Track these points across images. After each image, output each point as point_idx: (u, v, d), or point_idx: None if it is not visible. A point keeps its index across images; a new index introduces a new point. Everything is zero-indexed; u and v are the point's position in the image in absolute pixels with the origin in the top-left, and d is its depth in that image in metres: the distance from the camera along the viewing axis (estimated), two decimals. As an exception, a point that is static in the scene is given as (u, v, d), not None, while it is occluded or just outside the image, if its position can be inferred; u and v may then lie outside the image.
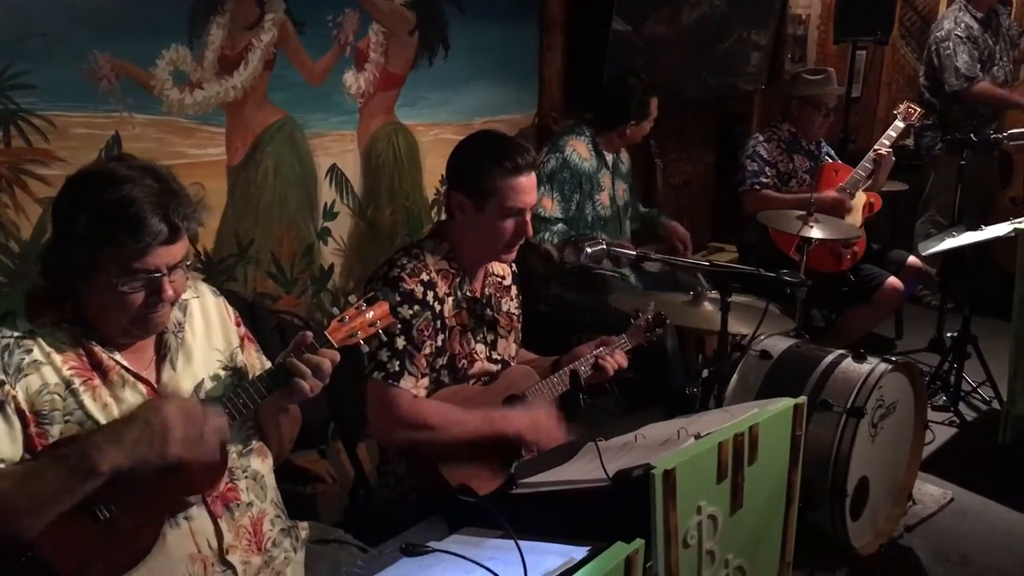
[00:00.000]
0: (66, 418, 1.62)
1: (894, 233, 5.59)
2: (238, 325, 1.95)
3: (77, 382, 1.64)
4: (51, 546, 1.54)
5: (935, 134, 5.31)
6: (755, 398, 2.86)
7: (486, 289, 2.48)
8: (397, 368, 2.23)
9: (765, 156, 4.40)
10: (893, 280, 4.29)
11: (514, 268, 2.61)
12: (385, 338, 2.21)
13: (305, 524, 2.00)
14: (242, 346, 1.93)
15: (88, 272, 1.63)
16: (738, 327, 2.76)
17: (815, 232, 3.61)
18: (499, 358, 2.50)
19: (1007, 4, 5.63)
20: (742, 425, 1.79)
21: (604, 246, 2.73)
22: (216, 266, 3.10)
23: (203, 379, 1.82)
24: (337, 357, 1.78)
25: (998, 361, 4.04)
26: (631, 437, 2.10)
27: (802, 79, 4.47)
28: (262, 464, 1.89)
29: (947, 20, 5.22)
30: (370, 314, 1.85)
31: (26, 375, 1.61)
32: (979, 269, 4.46)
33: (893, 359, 2.91)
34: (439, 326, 2.31)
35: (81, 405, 1.64)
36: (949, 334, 4.32)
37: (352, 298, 1.87)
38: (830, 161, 4.54)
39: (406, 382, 2.24)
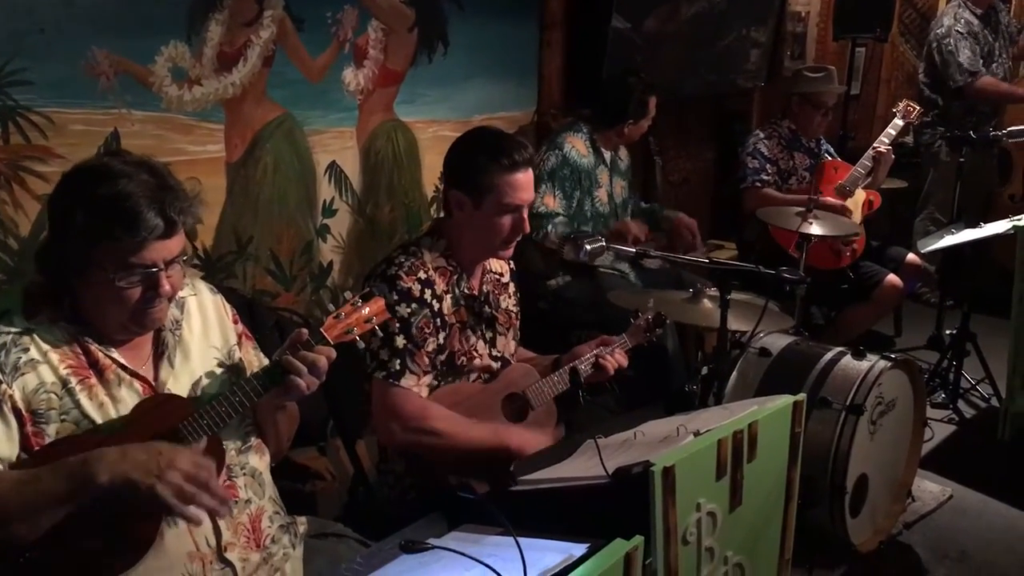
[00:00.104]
0: (62, 417, 1.62)
1: (893, 230, 5.59)
2: (236, 323, 1.95)
3: (73, 381, 1.64)
4: (49, 546, 1.54)
5: (934, 131, 5.30)
6: (754, 395, 2.86)
7: (484, 286, 2.48)
8: (398, 367, 2.23)
9: (766, 153, 4.40)
10: (892, 277, 4.29)
11: (512, 265, 2.61)
12: (385, 337, 2.20)
13: (303, 519, 2.00)
14: (240, 344, 1.93)
15: (85, 268, 1.63)
16: (737, 324, 2.76)
17: (814, 229, 3.61)
18: (498, 355, 2.50)
19: (1006, 1, 5.62)
20: (741, 422, 1.79)
21: (603, 243, 2.73)
22: (215, 263, 3.10)
23: (200, 377, 1.81)
24: (333, 354, 1.78)
25: (997, 358, 4.04)
26: (630, 434, 2.10)
27: (803, 76, 4.47)
28: (260, 461, 1.88)
29: (947, 16, 5.21)
30: (366, 310, 1.85)
31: (23, 374, 1.60)
32: (978, 266, 4.46)
33: (892, 356, 2.91)
34: (439, 324, 2.31)
35: (77, 404, 1.64)
36: (948, 331, 4.32)
37: (347, 294, 1.86)
38: (829, 159, 4.53)
39: (407, 380, 2.24)
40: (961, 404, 4.16)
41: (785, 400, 1.93)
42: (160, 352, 1.78)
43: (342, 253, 3.54)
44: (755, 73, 5.57)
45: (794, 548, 2.03)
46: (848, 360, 2.91)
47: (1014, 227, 3.71)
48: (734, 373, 2.98)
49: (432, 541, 1.55)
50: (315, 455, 2.96)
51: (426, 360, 2.28)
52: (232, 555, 1.75)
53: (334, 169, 3.44)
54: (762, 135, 4.47)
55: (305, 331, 1.78)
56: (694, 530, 1.70)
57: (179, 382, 1.78)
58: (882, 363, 2.85)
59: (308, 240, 3.40)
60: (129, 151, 1.82)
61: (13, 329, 1.63)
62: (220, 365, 1.86)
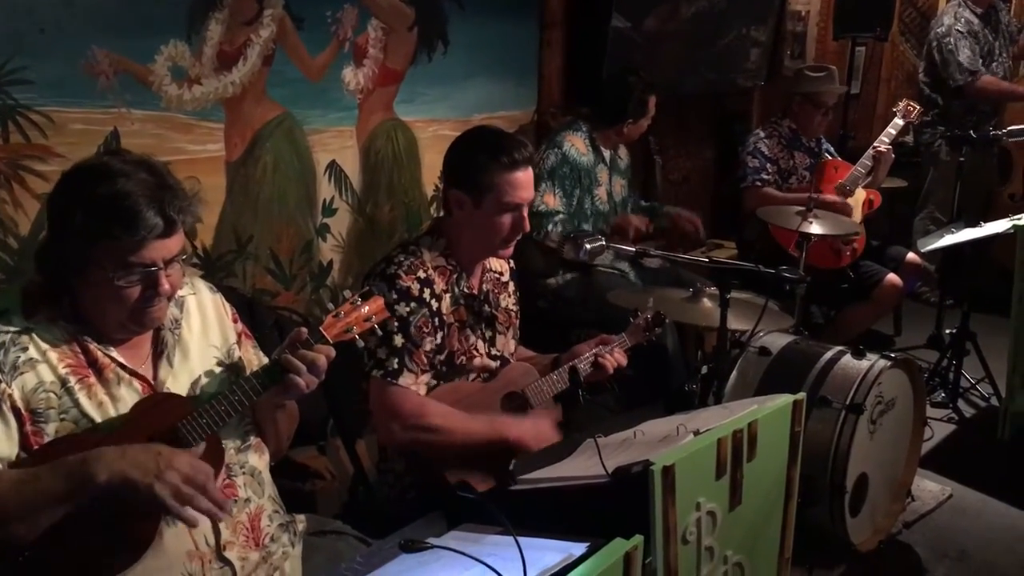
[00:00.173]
0: (61, 416, 1.62)
1: (893, 230, 5.59)
2: (235, 321, 1.95)
3: (72, 380, 1.64)
4: (48, 545, 1.54)
5: (934, 130, 5.30)
6: (754, 394, 2.86)
7: (484, 285, 2.48)
8: (396, 366, 2.23)
9: (766, 152, 4.40)
10: (892, 277, 4.29)
11: (511, 264, 2.61)
12: (383, 336, 2.20)
13: (302, 517, 1.99)
14: (239, 342, 1.93)
15: (84, 267, 1.62)
16: (737, 324, 2.76)
17: (814, 228, 3.61)
18: (498, 354, 2.50)
19: (1006, 0, 5.62)
20: (741, 421, 1.79)
21: (603, 242, 2.73)
22: (215, 262, 3.09)
23: (199, 375, 1.81)
24: (332, 353, 1.78)
25: (997, 358, 4.04)
26: (630, 434, 2.10)
27: (804, 76, 4.46)
28: (259, 460, 1.88)
29: (947, 16, 5.21)
30: (365, 309, 1.85)
31: (22, 373, 1.60)
32: (978, 266, 4.46)
33: (892, 356, 2.91)
34: (437, 323, 2.31)
35: (77, 403, 1.63)
36: (948, 331, 4.33)
37: (347, 293, 1.86)
38: (830, 158, 4.53)
39: (405, 379, 2.24)
40: (961, 403, 4.16)
41: (785, 399, 1.93)
42: (159, 351, 1.78)
43: (342, 252, 3.53)
44: (755, 72, 5.57)
45: (794, 547, 2.03)
46: (848, 359, 2.91)
47: (1014, 226, 3.71)
48: (734, 372, 2.98)
49: (432, 540, 1.55)
50: (315, 454, 2.96)
51: (424, 359, 2.28)
52: (231, 554, 1.75)
53: (334, 168, 3.44)
54: (762, 134, 4.47)
55: (304, 330, 1.78)
56: (694, 529, 1.70)
57: (178, 381, 1.78)
58: (882, 362, 2.85)
59: (308, 239, 3.40)
60: (128, 150, 1.82)
61: (12, 328, 1.63)
62: (219, 364, 1.85)
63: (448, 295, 2.35)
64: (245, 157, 3.13)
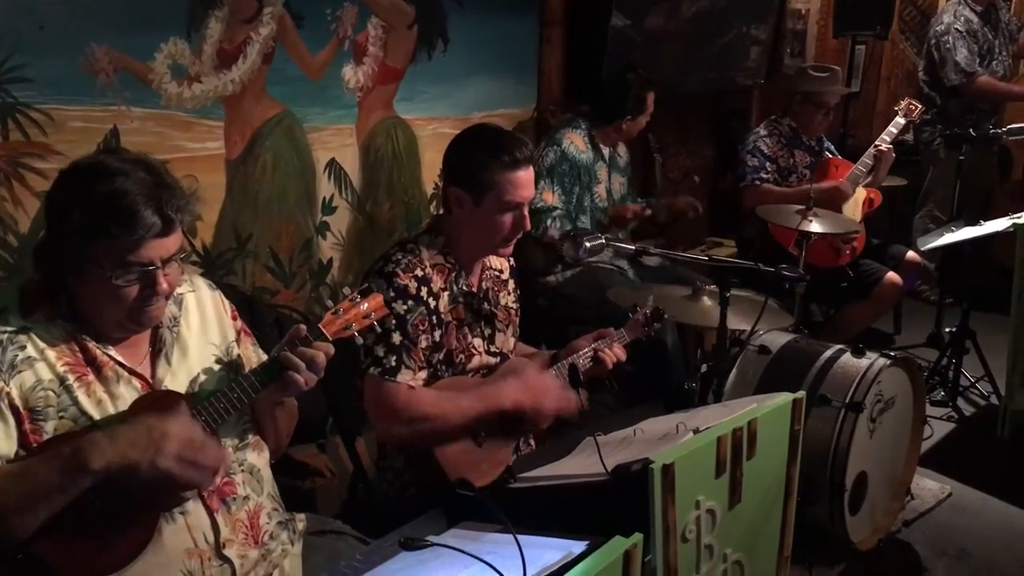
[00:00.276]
0: (60, 414, 1.62)
1: (893, 228, 5.59)
2: (234, 319, 1.94)
3: (71, 378, 1.64)
4: (46, 543, 1.54)
5: (934, 129, 5.30)
6: (754, 393, 2.86)
7: (483, 283, 2.48)
8: (393, 363, 2.23)
9: (766, 151, 4.39)
10: (892, 275, 4.29)
11: (512, 262, 2.61)
12: (381, 333, 2.20)
13: (302, 516, 1.99)
14: (238, 340, 1.93)
15: (82, 265, 1.62)
16: (737, 322, 2.76)
17: (814, 226, 3.61)
18: (497, 351, 2.50)
19: (1007, -1, 5.63)
20: (741, 420, 1.79)
21: (603, 240, 2.73)
22: (215, 260, 3.09)
23: (198, 373, 1.81)
24: (331, 350, 1.77)
25: (997, 356, 4.04)
26: (630, 432, 2.10)
27: (807, 75, 4.45)
28: (259, 458, 1.88)
29: (946, 14, 5.21)
30: (364, 306, 1.85)
31: (20, 371, 1.60)
32: (978, 264, 4.46)
33: (892, 354, 2.91)
34: (435, 322, 2.31)
35: (75, 401, 1.63)
36: (948, 329, 4.32)
37: (346, 290, 1.86)
38: (830, 157, 4.53)
39: (403, 376, 2.24)
40: (960, 402, 4.16)
41: (784, 398, 1.93)
42: (158, 349, 1.78)
43: (341, 250, 3.53)
44: (755, 71, 5.57)
45: (793, 546, 2.03)
46: (847, 358, 2.91)
47: (1013, 225, 3.71)
48: (733, 371, 2.98)
49: (431, 538, 1.55)
50: (314, 452, 2.96)
51: (421, 357, 2.28)
52: (230, 552, 1.75)
53: (334, 166, 3.44)
54: (763, 133, 4.46)
55: (303, 327, 1.78)
56: (693, 527, 1.70)
57: (177, 379, 1.77)
58: (881, 361, 2.85)
59: (308, 237, 3.40)
60: (126, 149, 1.82)
61: (10, 327, 1.62)
62: (218, 362, 1.85)
63: (446, 293, 2.35)
64: (245, 155, 3.13)
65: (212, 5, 2.93)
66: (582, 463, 1.97)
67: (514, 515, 1.53)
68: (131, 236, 1.59)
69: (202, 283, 1.94)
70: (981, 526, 3.21)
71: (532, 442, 2.55)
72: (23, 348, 1.61)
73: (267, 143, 3.19)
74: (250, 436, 1.87)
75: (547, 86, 4.27)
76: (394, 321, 2.22)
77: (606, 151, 3.89)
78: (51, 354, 1.63)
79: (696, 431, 1.79)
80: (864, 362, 2.86)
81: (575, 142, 3.74)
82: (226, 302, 1.95)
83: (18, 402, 1.59)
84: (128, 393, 1.69)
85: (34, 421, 1.60)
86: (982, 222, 3.96)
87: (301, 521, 1.98)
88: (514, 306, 2.59)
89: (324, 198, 3.43)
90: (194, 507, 1.72)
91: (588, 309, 3.55)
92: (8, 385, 1.58)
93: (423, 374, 2.29)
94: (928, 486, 3.40)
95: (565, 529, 1.54)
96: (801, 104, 4.44)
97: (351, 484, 2.66)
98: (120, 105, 2.74)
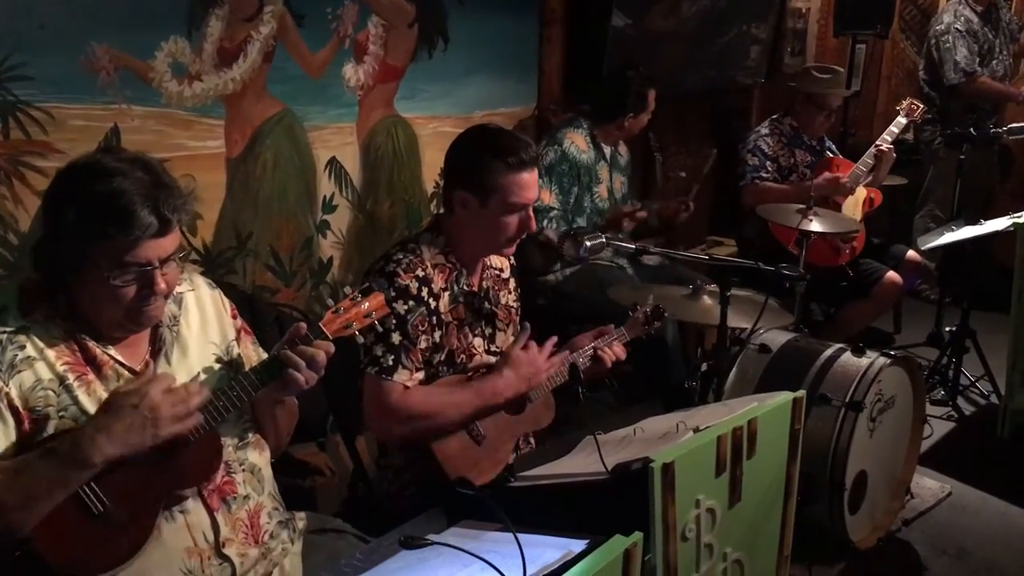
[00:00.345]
0: (60, 414, 1.62)
1: (893, 227, 5.59)
2: (234, 317, 1.94)
3: (71, 377, 1.63)
4: (45, 541, 1.54)
5: (934, 128, 5.31)
6: (754, 392, 2.86)
7: (484, 282, 2.48)
8: (391, 363, 2.23)
9: (766, 151, 4.39)
10: (892, 274, 4.29)
11: (512, 261, 2.61)
12: (381, 333, 2.21)
13: (302, 514, 1.99)
14: (238, 339, 1.92)
15: (79, 265, 1.62)
16: (737, 321, 2.76)
17: (814, 226, 3.61)
18: (497, 351, 2.50)
19: (1007, -1, 5.63)
20: (741, 419, 1.80)
21: (603, 239, 2.73)
22: (215, 259, 3.09)
23: (198, 372, 1.80)
24: (331, 348, 1.77)
25: (997, 355, 4.04)
26: (630, 431, 2.10)
27: (810, 75, 4.44)
28: (259, 457, 1.88)
29: (947, 14, 5.21)
30: (365, 305, 1.84)
31: (19, 371, 1.60)
32: (978, 263, 4.46)
33: (892, 353, 2.91)
34: (435, 322, 2.31)
35: (75, 401, 1.63)
36: (948, 328, 4.33)
37: (347, 289, 1.86)
38: (832, 156, 4.53)
39: (400, 376, 2.24)
40: (960, 401, 4.16)
41: (784, 397, 1.93)
42: (158, 348, 1.78)
43: (342, 249, 3.53)
44: (755, 70, 5.57)
45: (793, 544, 2.03)
46: (848, 357, 2.91)
47: (1014, 224, 3.71)
48: (734, 369, 2.98)
49: (431, 537, 1.55)
50: (315, 451, 2.96)
51: (419, 357, 2.28)
52: (230, 551, 1.75)
53: (334, 165, 3.44)
54: (764, 132, 4.46)
55: (303, 325, 1.77)
56: (693, 526, 1.70)
57: (177, 378, 1.77)
58: (881, 360, 2.86)
59: (308, 236, 3.40)
60: (124, 148, 1.81)
61: (9, 327, 1.62)
62: (218, 361, 1.85)
63: (447, 293, 2.35)
64: (245, 154, 3.13)
65: (213, 4, 2.93)
66: (582, 462, 1.97)
67: (514, 514, 1.53)
68: (128, 237, 1.59)
69: (202, 282, 1.93)
70: (981, 525, 3.22)
71: (532, 441, 2.55)
72: (22, 348, 1.61)
73: (267, 142, 3.19)
74: (250, 435, 1.87)
75: (547, 85, 4.27)
76: (394, 321, 2.22)
77: (607, 150, 3.89)
78: (50, 354, 1.63)
79: (696, 430, 1.79)
80: (864, 361, 2.86)
81: (576, 142, 3.74)
82: (226, 301, 1.95)
83: (17, 402, 1.59)
84: (128, 392, 1.69)
85: (34, 421, 1.60)
86: (982, 221, 3.97)
87: (301, 520, 1.98)
88: (515, 305, 2.59)
89: (324, 197, 3.43)
90: (194, 506, 1.72)
91: (588, 308, 3.55)
92: (8, 385, 1.58)
93: (420, 375, 2.29)
94: (928, 485, 3.41)
95: (565, 528, 1.54)
96: (803, 104, 4.44)
97: (351, 483, 2.67)
98: (121, 103, 2.74)
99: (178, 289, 1.82)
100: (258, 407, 1.87)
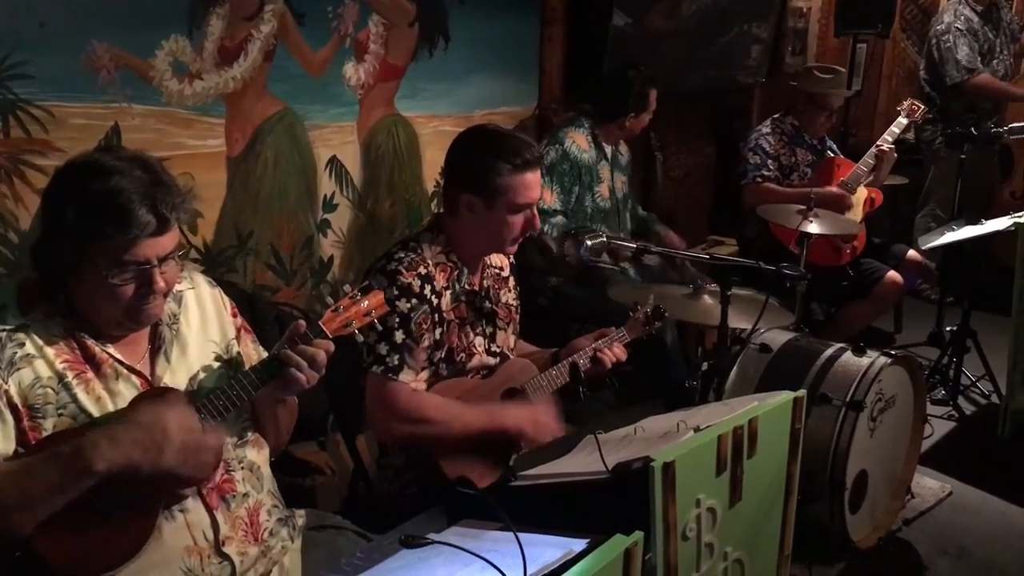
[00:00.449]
0: (59, 412, 1.62)
1: (894, 227, 5.59)
2: (234, 316, 1.94)
3: (70, 375, 1.63)
4: (46, 541, 1.54)
5: (935, 128, 5.30)
6: (755, 391, 2.86)
7: (485, 281, 2.48)
8: (396, 362, 2.23)
9: (768, 149, 4.39)
10: (893, 274, 4.29)
11: (512, 259, 2.61)
12: (384, 331, 2.20)
13: (301, 511, 1.99)
14: (238, 337, 1.92)
15: (78, 264, 1.62)
16: (738, 320, 2.76)
17: (814, 227, 3.60)
18: (498, 350, 2.50)
19: (1008, -2, 5.62)
20: (741, 418, 1.79)
21: (604, 239, 2.73)
22: (215, 257, 3.09)
23: (198, 371, 1.80)
24: (331, 347, 1.77)
25: (997, 355, 4.04)
26: (630, 430, 2.10)
27: (812, 75, 4.43)
28: (258, 455, 1.88)
29: (947, 13, 5.21)
30: (365, 303, 1.84)
31: (19, 369, 1.60)
32: (979, 263, 4.46)
33: (892, 353, 2.91)
34: (437, 320, 2.31)
35: (74, 399, 1.63)
36: (948, 328, 4.32)
37: (347, 287, 1.86)
38: (833, 155, 4.52)
39: (405, 375, 2.24)
40: (961, 401, 4.16)
41: (785, 396, 1.93)
42: (157, 347, 1.77)
43: (342, 248, 3.53)
44: (756, 69, 5.56)
45: (793, 544, 2.03)
46: (848, 356, 2.91)
47: (1015, 224, 3.71)
48: (734, 369, 2.98)
49: (432, 536, 1.54)
50: (315, 450, 2.96)
51: (423, 356, 2.28)
52: (230, 549, 1.75)
53: (335, 164, 3.44)
54: (765, 130, 4.45)
55: (303, 323, 1.77)
56: (694, 526, 1.70)
57: (176, 377, 1.77)
58: (882, 359, 2.85)
59: (308, 235, 3.40)
60: (123, 146, 1.81)
61: (8, 325, 1.62)
62: (218, 359, 1.85)
63: (448, 292, 2.35)
64: (246, 152, 3.13)
65: (213, 2, 2.92)
66: (583, 461, 1.97)
67: (515, 513, 1.53)
68: (126, 235, 1.58)
69: (202, 280, 1.93)
70: (981, 525, 3.21)
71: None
72: (22, 345, 1.61)
73: (268, 140, 3.19)
74: (250, 433, 1.87)
75: (548, 84, 4.27)
76: (397, 319, 2.22)
77: (608, 150, 3.89)
78: (50, 351, 1.63)
79: (697, 429, 1.79)
80: (865, 361, 2.86)
81: (577, 141, 3.74)
82: (226, 299, 1.95)
83: (17, 400, 1.59)
84: (127, 390, 1.68)
85: (33, 419, 1.59)
86: (983, 221, 3.96)
87: (300, 517, 1.98)
88: (514, 303, 2.59)
89: (325, 196, 3.43)
90: (193, 505, 1.72)
91: (588, 308, 3.55)
92: (7, 383, 1.58)
93: (425, 374, 2.29)
94: (928, 485, 3.40)
95: (566, 527, 1.54)
96: (805, 104, 4.43)
97: (352, 482, 2.66)
98: (121, 102, 2.74)
99: (178, 287, 1.82)
100: (259, 406, 1.87)
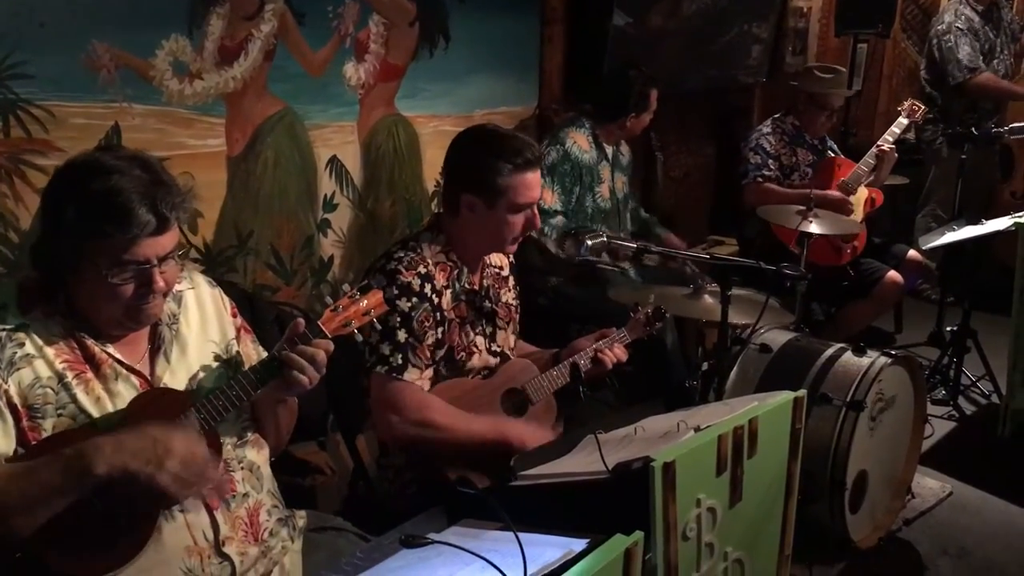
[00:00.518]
0: (59, 412, 1.62)
1: (894, 227, 5.58)
2: (234, 316, 1.94)
3: (70, 375, 1.63)
4: (46, 541, 1.53)
5: (936, 128, 5.30)
6: (755, 391, 2.86)
7: (484, 281, 2.48)
8: (400, 361, 2.23)
9: (768, 149, 4.38)
10: (893, 274, 4.29)
11: (511, 259, 2.61)
12: (386, 331, 2.20)
13: (303, 513, 1.99)
14: (238, 337, 1.92)
15: (77, 263, 1.62)
16: (738, 320, 2.75)
17: (814, 227, 3.60)
18: (498, 350, 2.50)
19: (1008, -2, 5.62)
20: (742, 418, 1.79)
21: (604, 238, 2.73)
22: (216, 257, 3.09)
23: (197, 371, 1.80)
24: (331, 347, 1.77)
25: (998, 355, 4.04)
26: (631, 430, 2.10)
27: (813, 75, 4.43)
28: (258, 455, 1.88)
29: (948, 13, 5.21)
30: (364, 303, 1.84)
31: (18, 369, 1.60)
32: (979, 263, 4.45)
33: (893, 353, 2.91)
34: (438, 318, 2.31)
35: (74, 399, 1.63)
36: (949, 328, 4.32)
37: (346, 287, 1.86)
38: (833, 156, 4.52)
39: (410, 375, 2.24)
40: (961, 401, 4.15)
41: (785, 396, 1.93)
42: (157, 347, 1.77)
43: (343, 247, 3.53)
44: (756, 69, 5.56)
45: (794, 544, 2.03)
46: (849, 356, 2.91)
47: (1015, 224, 3.71)
48: (734, 369, 2.98)
49: (432, 536, 1.54)
50: (315, 449, 2.96)
51: (427, 354, 2.28)
52: (230, 549, 1.75)
53: (335, 163, 3.44)
54: (766, 130, 4.45)
55: (302, 321, 1.78)
56: (694, 526, 1.70)
57: (176, 377, 1.77)
58: (882, 359, 2.85)
59: (309, 234, 3.40)
60: (123, 146, 1.81)
61: (8, 325, 1.62)
62: (217, 359, 1.85)
63: (449, 291, 2.35)
64: (246, 152, 3.13)
65: (214, 2, 2.92)
66: (583, 461, 1.97)
67: (515, 513, 1.53)
68: (126, 235, 1.58)
69: (202, 280, 1.93)
70: (981, 525, 3.21)
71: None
72: (22, 345, 1.61)
73: (268, 140, 3.19)
74: (249, 433, 1.87)
75: (548, 84, 4.27)
76: (399, 318, 2.22)
77: (609, 150, 3.88)
78: (50, 351, 1.63)
79: (697, 429, 1.79)
80: (865, 361, 2.86)
81: (578, 141, 3.74)
82: (226, 299, 1.95)
83: (16, 400, 1.58)
84: (127, 391, 1.68)
85: (32, 419, 1.59)
86: (984, 221, 3.96)
87: (301, 518, 1.97)
88: (514, 303, 2.59)
89: (325, 195, 3.43)
90: (193, 505, 1.71)
91: (589, 308, 3.54)
92: (7, 383, 1.58)
93: (429, 372, 2.29)
94: (929, 485, 3.40)
95: (566, 527, 1.54)
96: (805, 104, 4.43)
97: (352, 481, 2.66)
98: (121, 102, 2.74)
99: (178, 287, 1.82)
100: (259, 406, 1.87)
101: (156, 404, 1.68)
